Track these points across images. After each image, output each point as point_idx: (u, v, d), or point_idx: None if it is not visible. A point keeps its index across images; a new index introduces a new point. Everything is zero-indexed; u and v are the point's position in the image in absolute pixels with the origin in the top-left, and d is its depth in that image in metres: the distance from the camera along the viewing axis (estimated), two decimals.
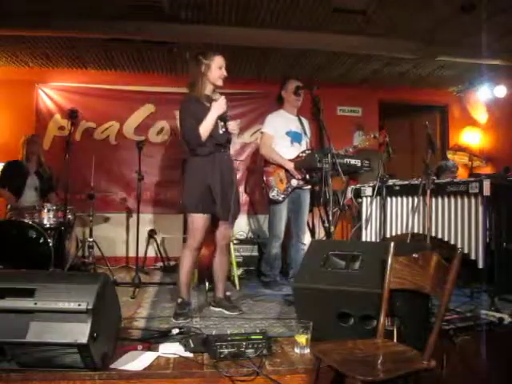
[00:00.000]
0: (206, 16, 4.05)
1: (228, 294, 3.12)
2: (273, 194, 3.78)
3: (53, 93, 5.44)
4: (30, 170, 4.45)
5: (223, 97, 2.79)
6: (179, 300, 2.85)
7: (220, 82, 2.82)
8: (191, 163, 2.84)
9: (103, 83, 5.52)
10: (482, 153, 5.99)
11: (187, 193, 2.81)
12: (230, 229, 2.95)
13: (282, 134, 3.84)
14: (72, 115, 3.70)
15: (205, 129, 2.72)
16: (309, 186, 3.86)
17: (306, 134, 3.93)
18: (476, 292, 3.30)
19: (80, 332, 1.76)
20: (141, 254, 4.34)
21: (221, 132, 2.81)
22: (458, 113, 6.39)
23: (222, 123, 2.80)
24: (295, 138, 3.88)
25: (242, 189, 5.33)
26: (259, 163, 3.98)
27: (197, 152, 2.78)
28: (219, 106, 2.75)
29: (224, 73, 2.82)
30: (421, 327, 2.10)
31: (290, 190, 3.77)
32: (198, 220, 2.77)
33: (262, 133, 3.96)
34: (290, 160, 3.78)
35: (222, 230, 2.90)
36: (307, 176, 3.70)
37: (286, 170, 3.77)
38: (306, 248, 3.03)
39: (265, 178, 3.83)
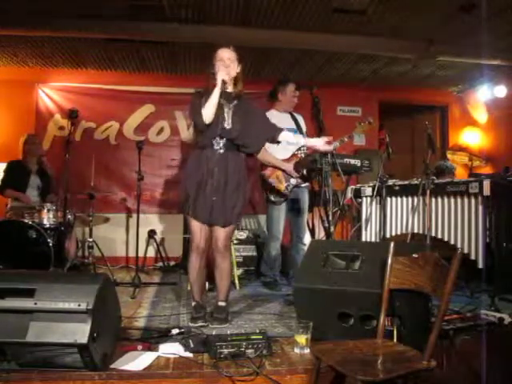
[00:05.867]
0: (205, 16, 4.05)
1: (221, 304, 2.77)
2: (273, 196, 3.76)
3: (53, 93, 5.45)
4: (32, 168, 4.46)
5: (221, 68, 2.61)
6: (193, 303, 2.78)
7: (221, 74, 2.60)
8: (188, 160, 2.76)
9: (103, 83, 5.52)
10: (482, 153, 5.99)
11: (179, 192, 2.77)
12: (221, 231, 2.67)
13: None
14: (72, 115, 3.70)
15: (207, 107, 2.56)
16: (307, 184, 3.86)
17: (301, 129, 3.91)
18: (476, 292, 3.30)
19: (80, 332, 1.76)
20: (141, 254, 4.34)
21: (227, 126, 2.61)
22: (458, 113, 6.39)
23: (226, 116, 2.61)
24: None
25: None
26: (256, 164, 3.96)
27: (198, 143, 2.68)
28: (217, 78, 2.56)
29: (225, 63, 2.65)
30: (421, 327, 2.10)
31: (290, 189, 3.77)
32: (190, 220, 2.71)
33: None
34: (287, 159, 3.77)
35: (213, 232, 2.71)
36: (305, 172, 3.69)
37: (283, 170, 3.76)
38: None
39: (264, 182, 3.82)
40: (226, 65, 2.66)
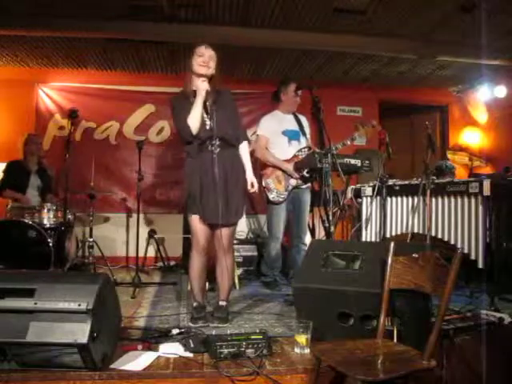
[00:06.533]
0: (205, 16, 4.05)
1: (222, 304, 2.78)
2: (272, 196, 3.77)
3: (53, 93, 5.45)
4: (32, 169, 4.46)
5: (202, 78, 2.61)
6: (195, 304, 2.77)
7: (201, 70, 2.61)
8: (185, 164, 2.76)
9: (103, 83, 5.52)
10: (482, 153, 6.00)
11: (181, 192, 2.78)
12: (225, 230, 2.67)
13: (279, 134, 3.83)
14: (72, 115, 3.71)
15: (192, 118, 2.58)
16: (308, 185, 3.85)
17: (303, 130, 3.91)
18: (476, 292, 3.30)
19: (80, 332, 1.76)
20: (141, 253, 4.34)
21: (207, 127, 2.62)
22: (458, 113, 6.39)
23: (208, 116, 2.62)
24: (292, 136, 3.87)
25: None
26: (258, 165, 3.96)
27: (188, 152, 2.69)
28: (200, 89, 2.59)
29: (205, 59, 2.62)
30: (421, 327, 2.10)
31: (289, 189, 3.77)
32: (192, 221, 2.71)
33: (257, 135, 3.97)
34: (288, 160, 3.78)
35: (217, 231, 2.71)
36: (305, 173, 3.69)
37: (284, 171, 3.76)
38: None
39: (263, 181, 3.82)
40: (206, 61, 2.63)
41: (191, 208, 2.68)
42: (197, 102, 2.60)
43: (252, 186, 2.76)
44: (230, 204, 2.65)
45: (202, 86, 2.61)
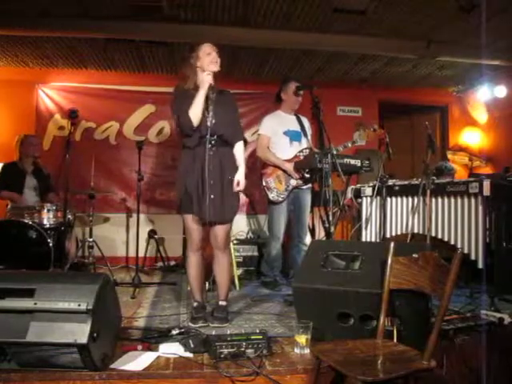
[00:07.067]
0: (205, 16, 4.05)
1: (222, 303, 2.78)
2: (272, 196, 3.77)
3: (53, 93, 5.44)
4: (27, 170, 4.44)
5: (207, 72, 2.63)
6: (195, 304, 2.79)
7: (213, 67, 2.65)
8: (179, 159, 2.77)
9: (103, 83, 5.52)
10: (482, 153, 6.00)
11: (176, 191, 2.77)
12: (221, 228, 2.69)
13: (280, 134, 3.83)
14: (72, 115, 3.71)
15: (194, 110, 2.58)
16: (309, 186, 3.85)
17: (305, 132, 3.91)
18: (476, 292, 3.30)
19: (80, 332, 1.76)
20: (141, 254, 4.34)
21: (208, 123, 2.61)
22: (458, 113, 6.39)
23: (211, 113, 2.62)
24: (294, 136, 3.87)
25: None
26: (259, 164, 3.96)
27: (185, 144, 2.69)
28: (204, 81, 2.61)
29: (215, 56, 2.67)
30: (421, 327, 2.10)
31: (289, 189, 3.77)
32: (186, 219, 2.71)
33: (258, 135, 3.98)
34: (289, 160, 3.78)
35: (212, 229, 2.70)
36: (306, 175, 3.69)
37: (284, 171, 3.77)
38: None
39: (263, 180, 3.83)
40: (216, 59, 2.67)
41: (185, 207, 2.68)
42: (200, 93, 2.61)
43: (238, 184, 2.70)
44: (224, 201, 2.64)
45: (206, 79, 2.63)
